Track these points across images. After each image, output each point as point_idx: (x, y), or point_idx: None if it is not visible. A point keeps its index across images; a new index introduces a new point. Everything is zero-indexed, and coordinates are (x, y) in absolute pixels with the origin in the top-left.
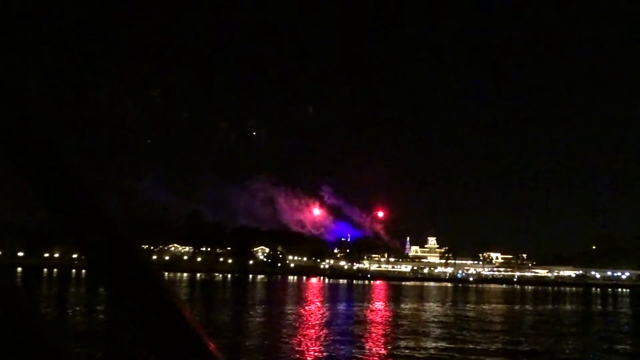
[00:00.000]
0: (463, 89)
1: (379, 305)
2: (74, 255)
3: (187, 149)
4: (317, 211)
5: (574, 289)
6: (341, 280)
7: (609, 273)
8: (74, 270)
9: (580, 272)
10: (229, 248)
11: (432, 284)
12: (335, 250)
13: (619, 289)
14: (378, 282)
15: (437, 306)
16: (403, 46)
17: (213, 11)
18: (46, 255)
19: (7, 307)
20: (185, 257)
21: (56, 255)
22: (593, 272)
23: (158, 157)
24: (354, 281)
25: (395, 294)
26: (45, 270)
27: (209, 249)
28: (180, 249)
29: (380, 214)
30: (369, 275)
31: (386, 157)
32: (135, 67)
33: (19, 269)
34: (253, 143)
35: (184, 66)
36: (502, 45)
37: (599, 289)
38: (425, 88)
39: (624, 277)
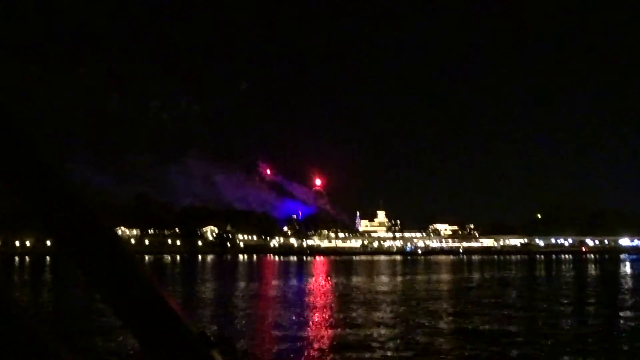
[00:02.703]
0: (406, 57)
1: (316, 280)
2: (17, 243)
3: (119, 128)
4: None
5: (519, 257)
6: (291, 258)
7: (553, 240)
8: (17, 258)
9: (525, 240)
10: (177, 229)
11: (382, 257)
12: (285, 228)
13: (562, 255)
14: (320, 258)
15: (384, 278)
16: (336, 15)
17: None
18: None
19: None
20: (132, 240)
21: None
22: (537, 240)
23: (89, 138)
24: (304, 258)
25: (341, 269)
26: None
27: (156, 231)
28: (127, 232)
29: (318, 182)
30: (309, 252)
31: (328, 132)
32: (62, 45)
33: None
34: (186, 120)
35: (113, 44)
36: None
37: (542, 256)
38: (367, 57)
39: (566, 243)
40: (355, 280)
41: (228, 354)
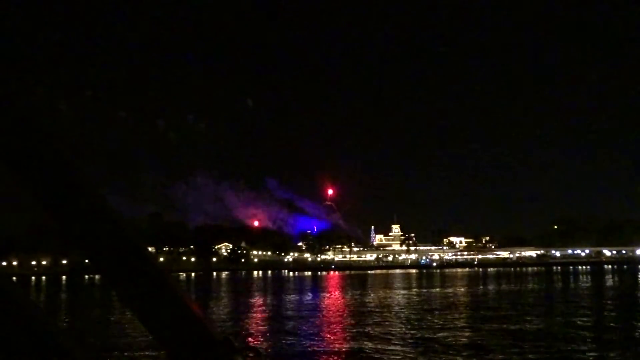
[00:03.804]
0: (417, 68)
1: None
2: (33, 263)
3: (126, 148)
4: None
5: (535, 268)
6: (306, 273)
7: (569, 251)
8: (33, 278)
9: (542, 252)
10: (191, 247)
11: (397, 271)
12: (300, 244)
13: (580, 267)
14: (334, 272)
15: (401, 292)
16: (347, 28)
17: (147, 7)
18: (4, 264)
19: (17, 312)
20: None
21: (14, 263)
22: (553, 252)
23: (96, 158)
24: (319, 273)
25: (357, 284)
26: None
27: (171, 249)
28: None
29: (330, 196)
30: (328, 267)
31: (338, 147)
32: (68, 67)
33: None
34: (193, 138)
35: (116, 64)
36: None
37: (559, 268)
38: (378, 70)
39: (583, 254)
40: (373, 295)
41: None
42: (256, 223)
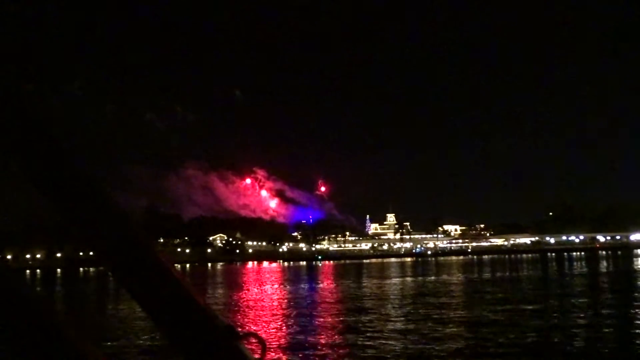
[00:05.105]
0: (410, 55)
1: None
2: (28, 256)
3: (115, 141)
4: (264, 194)
5: (530, 255)
6: (301, 263)
7: (564, 238)
8: (28, 272)
9: (536, 238)
10: (186, 238)
11: (392, 260)
12: (295, 234)
13: (574, 253)
14: (329, 262)
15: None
16: (326, 20)
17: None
18: None
19: (28, 309)
20: None
21: (9, 257)
22: (548, 238)
23: (85, 151)
24: (313, 262)
25: (352, 274)
26: None
27: (166, 241)
28: None
29: (323, 189)
30: (320, 257)
31: (332, 136)
32: (54, 60)
33: None
34: (182, 130)
35: (105, 56)
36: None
37: (554, 254)
38: (370, 58)
39: (577, 240)
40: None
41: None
42: (249, 213)
